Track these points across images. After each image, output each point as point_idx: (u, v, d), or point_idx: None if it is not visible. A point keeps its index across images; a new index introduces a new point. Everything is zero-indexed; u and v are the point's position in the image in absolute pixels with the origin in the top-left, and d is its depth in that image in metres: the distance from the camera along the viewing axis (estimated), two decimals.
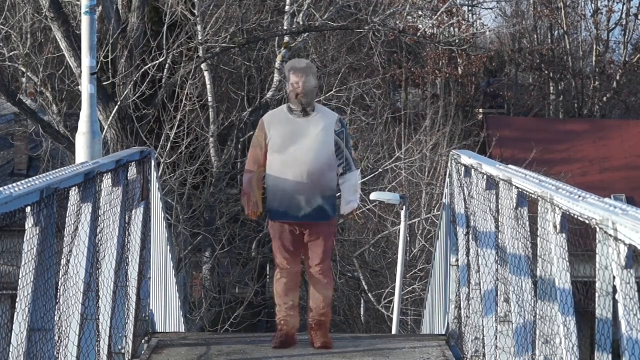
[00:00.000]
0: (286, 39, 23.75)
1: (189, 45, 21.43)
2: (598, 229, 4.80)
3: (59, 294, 5.93)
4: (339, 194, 8.26)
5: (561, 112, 44.43)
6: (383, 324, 25.95)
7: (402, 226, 19.08)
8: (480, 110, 42.73)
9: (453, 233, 8.88)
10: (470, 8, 43.46)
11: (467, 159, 8.35)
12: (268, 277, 27.89)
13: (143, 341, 8.68)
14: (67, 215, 6.17)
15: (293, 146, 7.87)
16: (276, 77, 24.17)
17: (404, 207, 19.04)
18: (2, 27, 21.29)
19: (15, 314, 5.13)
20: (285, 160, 7.87)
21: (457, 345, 8.61)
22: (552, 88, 44.99)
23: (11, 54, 21.82)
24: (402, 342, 8.90)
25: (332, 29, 24.38)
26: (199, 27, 22.44)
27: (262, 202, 8.14)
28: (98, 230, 6.70)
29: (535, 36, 45.82)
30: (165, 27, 20.62)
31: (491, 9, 54.79)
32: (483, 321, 7.43)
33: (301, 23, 23.03)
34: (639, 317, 4.40)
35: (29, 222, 5.24)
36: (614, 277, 4.63)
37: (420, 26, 31.11)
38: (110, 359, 7.27)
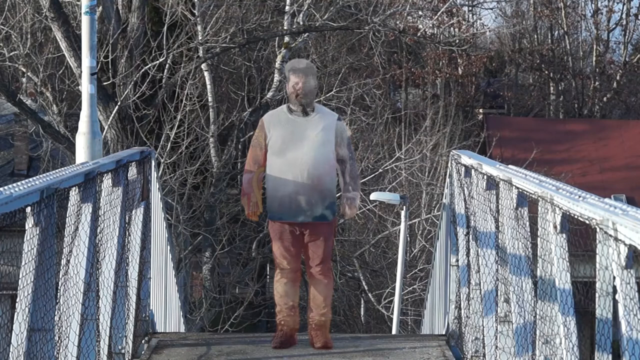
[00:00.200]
0: (286, 39, 23.75)
1: (189, 45, 21.43)
2: (598, 229, 4.80)
3: (59, 294, 5.93)
4: (339, 194, 8.26)
5: (561, 112, 44.43)
6: (383, 324, 25.95)
7: (402, 226, 19.08)
8: (480, 110, 42.73)
9: (453, 233, 8.88)
10: (470, 8, 43.47)
11: (467, 159, 8.35)
12: (268, 277, 27.90)
13: (143, 341, 8.68)
14: (67, 215, 6.17)
15: (293, 146, 7.87)
16: (276, 77, 24.17)
17: (404, 207, 19.04)
18: (2, 27, 21.29)
19: (15, 314, 5.13)
20: (285, 160, 7.87)
21: (457, 345, 8.61)
22: (552, 88, 45.00)
23: (11, 54, 21.81)
24: (402, 342, 8.90)
25: (332, 29, 24.37)
26: (199, 27, 22.44)
27: (262, 202, 8.15)
28: (98, 230, 6.71)
29: (535, 36, 45.82)
30: (165, 27, 20.62)
31: (491, 9, 54.88)
32: (483, 321, 7.43)
33: (301, 23, 23.03)
34: (639, 317, 4.40)
35: (29, 222, 5.24)
36: (614, 277, 4.63)
37: (420, 26, 31.12)
38: (110, 359, 7.27)
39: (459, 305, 8.56)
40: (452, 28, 40.40)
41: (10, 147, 30.99)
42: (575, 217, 5.17)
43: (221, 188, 24.60)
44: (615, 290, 4.63)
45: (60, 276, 6.02)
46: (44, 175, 5.77)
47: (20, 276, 5.15)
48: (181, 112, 21.73)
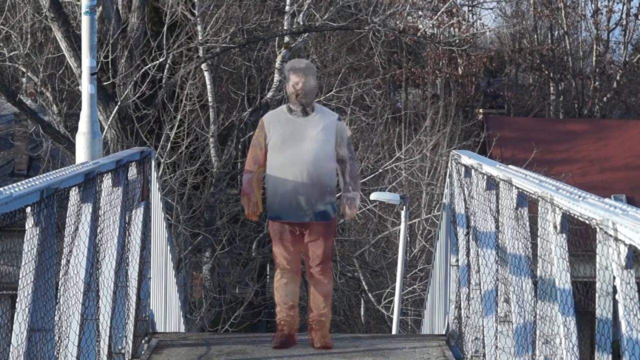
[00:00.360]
0: (286, 39, 23.75)
1: (189, 45, 21.43)
2: (598, 229, 4.80)
3: (59, 294, 5.93)
4: (339, 194, 8.26)
5: (561, 112, 44.43)
6: (383, 324, 25.95)
7: (402, 226, 19.08)
8: (480, 110, 42.73)
9: (453, 233, 8.88)
10: (470, 8, 43.47)
11: (467, 159, 8.35)
12: (268, 277, 27.90)
13: (143, 341, 8.68)
14: (67, 215, 6.17)
15: (293, 146, 7.87)
16: (276, 77, 24.17)
17: (404, 207, 19.04)
18: (2, 27, 21.29)
19: (15, 314, 5.13)
20: (285, 160, 7.87)
21: (457, 345, 8.61)
22: (552, 88, 45.00)
23: (11, 54, 21.81)
24: (402, 342, 8.90)
25: (332, 29, 24.37)
26: (199, 27, 22.44)
27: (262, 202, 8.15)
28: (98, 230, 6.71)
29: (535, 36, 45.82)
30: (165, 27, 20.61)
31: (491, 9, 54.88)
32: (483, 321, 7.43)
33: (301, 23, 23.03)
34: (639, 317, 4.40)
35: (29, 222, 5.24)
36: (614, 277, 4.63)
37: (420, 26, 31.12)
38: (110, 359, 7.27)
39: (459, 305, 8.56)
40: (452, 28, 40.42)
41: (10, 147, 30.99)
42: (575, 217, 5.17)
43: (221, 188, 24.60)
44: (615, 290, 4.63)
45: (60, 276, 6.02)
46: (44, 175, 5.77)
47: (20, 276, 5.15)
48: (181, 112, 21.73)
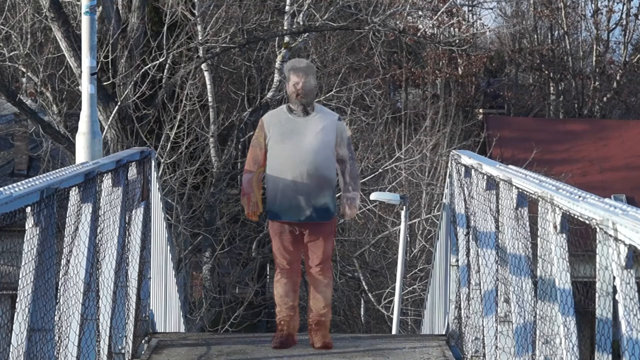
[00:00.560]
0: (286, 39, 23.74)
1: (189, 45, 21.43)
2: (598, 229, 4.80)
3: (59, 294, 5.93)
4: (339, 194, 8.26)
5: (561, 112, 44.43)
6: (383, 324, 25.95)
7: (402, 226, 19.08)
8: (480, 110, 42.73)
9: (453, 233, 8.88)
10: (470, 8, 43.48)
11: (467, 159, 8.35)
12: (268, 277, 27.89)
13: (143, 341, 8.68)
14: (67, 215, 6.17)
15: (293, 146, 7.87)
16: (276, 77, 24.17)
17: (404, 207, 19.04)
18: (2, 27, 21.29)
19: (15, 314, 5.13)
20: (284, 160, 7.87)
21: (457, 345, 8.61)
22: (552, 88, 45.00)
23: (11, 54, 21.81)
24: (402, 342, 8.90)
25: (332, 29, 24.37)
26: (199, 27, 22.44)
27: (262, 202, 8.15)
28: (98, 230, 6.71)
29: (535, 36, 45.82)
30: (165, 27, 20.61)
31: (491, 9, 54.96)
32: (483, 321, 7.43)
33: (301, 23, 23.03)
34: (639, 317, 4.40)
35: (29, 222, 5.24)
36: (614, 277, 4.63)
37: (420, 26, 31.12)
38: (110, 359, 7.27)
39: (459, 305, 8.56)
40: (452, 28, 40.42)
41: (10, 147, 30.99)
42: (575, 217, 5.17)
43: (221, 188, 24.60)
44: (615, 290, 4.63)
45: (60, 276, 6.02)
46: (44, 175, 5.77)
47: (20, 276, 5.15)
48: (181, 112, 21.73)
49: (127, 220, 7.98)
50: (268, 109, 21.15)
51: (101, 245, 7.02)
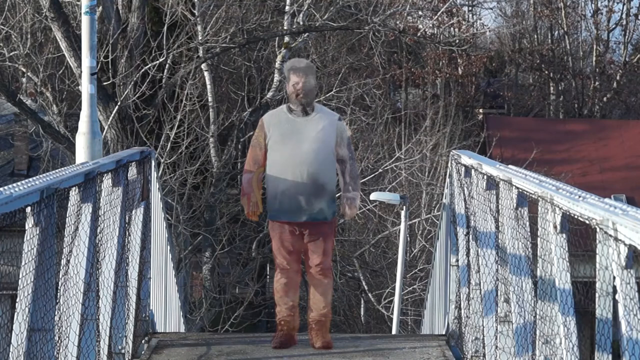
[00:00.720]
0: (286, 39, 23.75)
1: (189, 45, 21.42)
2: (598, 229, 4.80)
3: (59, 294, 5.93)
4: (339, 194, 8.26)
5: (561, 112, 44.44)
6: (383, 324, 25.95)
7: (402, 226, 19.08)
8: (480, 110, 42.73)
9: (453, 233, 8.88)
10: (470, 8, 43.50)
11: (467, 159, 8.35)
12: (268, 277, 27.89)
13: (143, 341, 8.68)
14: (67, 215, 6.17)
15: (293, 146, 7.87)
16: (276, 77, 24.17)
17: (404, 207, 19.04)
18: (2, 27, 21.29)
19: (15, 314, 5.13)
20: (284, 160, 7.87)
21: (457, 345, 8.61)
22: (552, 88, 45.00)
23: (11, 54, 21.81)
24: (402, 342, 8.90)
25: (332, 29, 24.37)
26: (199, 27, 22.44)
27: (262, 202, 8.15)
28: (98, 230, 6.70)
29: (535, 36, 45.82)
30: (165, 27, 20.61)
31: (491, 9, 54.99)
32: (483, 321, 7.43)
33: (301, 23, 23.03)
34: (639, 317, 4.40)
35: (29, 222, 5.24)
36: (614, 277, 4.63)
37: (420, 26, 31.13)
38: (110, 359, 7.27)
39: (459, 305, 8.56)
40: (452, 28, 40.43)
41: (10, 147, 30.99)
42: (575, 217, 5.17)
43: (221, 188, 24.60)
44: (615, 290, 4.63)
45: (60, 276, 6.02)
46: (44, 175, 5.77)
47: (20, 276, 5.15)
48: (181, 112, 21.73)
49: (127, 220, 7.98)
50: (268, 109, 21.15)
51: (101, 245, 7.02)
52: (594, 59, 44.39)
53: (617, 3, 44.74)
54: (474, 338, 7.80)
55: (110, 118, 19.29)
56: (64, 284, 6.04)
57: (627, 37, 44.59)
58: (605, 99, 43.79)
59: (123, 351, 7.80)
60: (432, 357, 8.21)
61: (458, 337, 8.59)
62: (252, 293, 25.12)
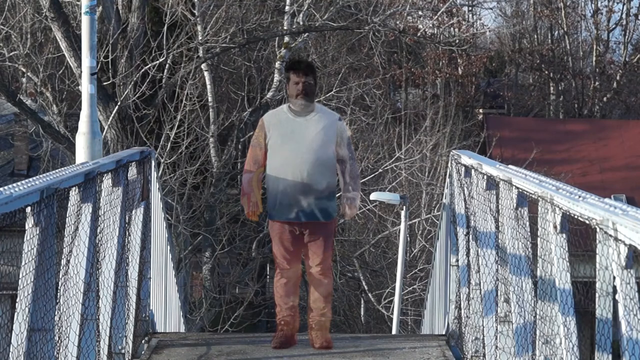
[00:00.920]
0: (286, 39, 23.75)
1: (189, 45, 21.42)
2: (598, 229, 4.80)
3: (59, 294, 5.93)
4: (339, 194, 8.26)
5: (561, 112, 44.44)
6: (383, 324, 25.95)
7: (402, 226, 19.08)
8: (480, 110, 42.74)
9: (453, 233, 8.87)
10: (470, 8, 43.50)
11: (467, 159, 8.35)
12: (268, 277, 27.90)
13: (143, 341, 8.68)
14: (67, 215, 6.16)
15: (293, 146, 7.87)
16: (276, 77, 24.18)
17: (404, 207, 19.04)
18: (2, 27, 21.29)
19: (15, 314, 5.13)
20: (285, 159, 7.87)
21: (457, 345, 8.60)
22: (552, 88, 45.01)
23: (11, 54, 21.81)
24: (402, 342, 8.90)
25: (332, 29, 24.37)
26: (199, 27, 22.44)
27: (262, 202, 8.15)
28: (98, 230, 6.70)
29: (535, 36, 45.83)
30: (165, 27, 20.61)
31: (491, 9, 54.98)
32: (483, 321, 7.42)
33: (301, 23, 23.03)
34: (639, 317, 4.40)
35: (29, 222, 5.24)
36: (614, 277, 4.63)
37: (420, 26, 31.13)
38: (110, 359, 7.27)
39: (459, 305, 8.56)
40: (452, 28, 40.43)
41: (10, 147, 31.00)
42: (575, 217, 5.16)
43: (221, 188, 24.60)
44: (615, 290, 4.63)
45: (60, 276, 6.02)
46: (44, 175, 5.77)
47: (20, 276, 5.15)
48: (181, 112, 21.73)
49: (127, 220, 7.98)
50: (268, 109, 21.16)
51: (101, 245, 7.02)
52: (594, 59, 44.39)
53: (617, 3, 44.80)
54: (474, 338, 7.80)
55: (110, 118, 19.29)
56: (64, 284, 6.04)
57: (627, 37, 44.60)
58: (605, 99, 43.79)
59: (123, 351, 7.80)
60: (432, 357, 8.21)
61: (458, 337, 8.59)
62: (252, 293, 25.12)
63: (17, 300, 5.16)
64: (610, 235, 4.63)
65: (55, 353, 5.65)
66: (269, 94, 24.23)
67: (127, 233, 8.01)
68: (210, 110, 24.74)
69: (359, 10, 23.21)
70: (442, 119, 31.91)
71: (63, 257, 6.10)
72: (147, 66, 19.92)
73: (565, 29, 44.49)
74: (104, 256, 7.19)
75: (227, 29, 22.02)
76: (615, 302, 4.66)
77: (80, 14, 12.47)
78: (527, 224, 6.50)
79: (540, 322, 5.86)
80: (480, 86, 44.65)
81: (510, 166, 7.33)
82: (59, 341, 5.85)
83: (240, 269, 26.05)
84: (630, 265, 4.53)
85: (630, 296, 4.47)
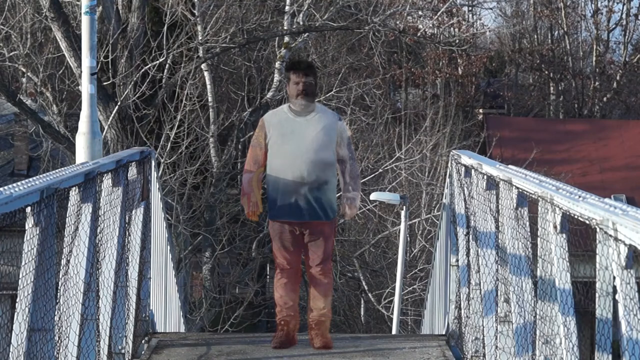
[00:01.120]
0: (286, 39, 23.75)
1: (189, 45, 21.42)
2: (598, 229, 4.80)
3: (59, 294, 5.93)
4: (339, 194, 8.26)
5: (561, 112, 44.44)
6: (383, 324, 25.95)
7: (402, 226, 19.08)
8: (480, 110, 42.74)
9: (453, 233, 8.87)
10: (470, 8, 43.50)
11: (467, 159, 8.35)
12: (268, 277, 27.91)
13: (143, 341, 8.68)
14: (67, 215, 6.16)
15: (293, 145, 7.87)
16: (276, 77, 24.18)
17: (404, 207, 19.04)
18: (2, 27, 21.29)
19: (15, 314, 5.13)
20: (285, 159, 7.87)
21: (457, 345, 8.60)
22: (552, 88, 45.01)
23: (11, 54, 21.81)
24: (402, 342, 8.90)
25: (332, 29, 24.37)
26: (199, 27, 22.44)
27: (262, 202, 8.15)
28: (98, 230, 6.70)
29: (535, 36, 45.83)
30: (165, 27, 20.61)
31: (491, 9, 54.97)
32: (483, 321, 7.42)
33: (301, 23, 23.03)
34: (639, 317, 4.40)
35: (29, 222, 5.24)
36: (614, 277, 4.63)
37: (420, 26, 31.14)
38: (110, 359, 7.27)
39: (459, 305, 8.56)
40: (452, 28, 40.43)
41: (10, 147, 31.00)
42: (575, 217, 5.16)
43: (221, 188, 24.60)
44: (615, 290, 4.63)
45: (60, 276, 6.02)
46: (44, 175, 5.76)
47: (20, 276, 5.15)
48: (181, 112, 21.73)
49: (127, 220, 7.98)
50: (268, 109, 21.16)
51: (101, 245, 7.01)
52: (594, 59, 44.39)
53: (617, 3, 44.80)
54: (474, 338, 7.80)
55: (110, 118, 19.29)
56: (64, 284, 6.04)
57: (627, 37, 44.60)
58: (605, 99, 43.79)
59: (123, 351, 7.80)
60: (432, 357, 8.21)
61: (458, 337, 8.59)
62: (252, 293, 25.12)
63: (17, 300, 5.16)
64: (610, 235, 4.63)
65: (55, 353, 5.65)
66: (269, 94, 24.23)
67: (127, 233, 8.01)
68: (210, 110, 24.74)
69: (359, 10, 23.21)
70: (442, 119, 31.91)
71: (63, 257, 6.10)
72: (147, 66, 19.92)
73: (565, 29, 44.49)
74: (104, 256, 7.19)
75: (227, 29, 22.02)
76: (615, 302, 4.66)
77: (80, 14, 12.47)
78: (527, 224, 6.50)
79: (540, 322, 5.86)
80: (480, 86, 44.65)
81: (510, 166, 7.33)
82: (59, 341, 5.85)
83: (240, 269, 26.05)
84: (630, 265, 4.53)
85: (630, 296, 4.47)
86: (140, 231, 8.45)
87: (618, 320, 4.53)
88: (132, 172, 8.33)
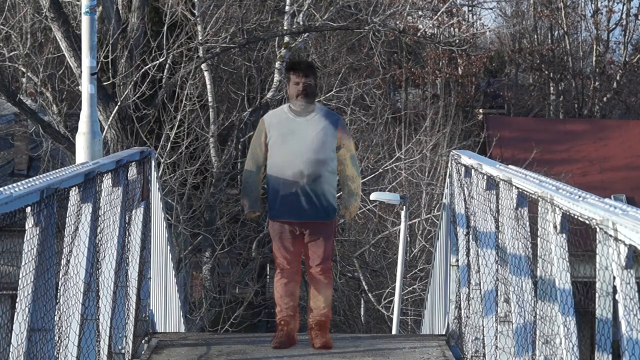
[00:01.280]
0: (286, 39, 23.75)
1: (189, 45, 21.42)
2: (598, 229, 4.80)
3: (59, 294, 5.93)
4: (339, 194, 8.26)
5: (561, 112, 44.44)
6: (383, 324, 25.95)
7: (402, 226, 19.08)
8: (480, 110, 42.74)
9: (453, 233, 8.87)
10: (470, 8, 43.49)
11: (467, 159, 8.35)
12: (268, 277, 27.90)
13: (143, 341, 8.68)
14: (67, 215, 6.16)
15: (293, 146, 7.87)
16: (276, 77, 24.18)
17: (404, 207, 19.04)
18: (2, 27, 21.29)
19: (15, 314, 5.13)
20: (285, 159, 7.87)
21: (457, 345, 8.60)
22: (552, 88, 45.01)
23: (11, 54, 21.81)
24: (402, 342, 8.90)
25: (332, 29, 24.37)
26: (199, 27, 22.44)
27: (262, 202, 8.15)
28: (98, 230, 6.70)
29: (535, 36, 45.83)
30: (165, 27, 20.61)
31: (491, 9, 54.94)
32: (483, 321, 7.42)
33: (301, 23, 23.03)
34: (639, 317, 4.40)
35: (29, 222, 5.24)
36: (614, 277, 4.63)
37: (420, 26, 31.13)
38: (110, 359, 7.27)
39: (459, 305, 8.56)
40: (452, 28, 40.43)
41: (10, 147, 31.00)
42: (575, 217, 5.16)
43: (221, 188, 24.60)
44: (615, 290, 4.62)
45: (60, 276, 6.02)
46: (44, 175, 5.76)
47: (20, 276, 5.15)
48: (181, 112, 21.73)
49: (127, 220, 7.98)
50: (268, 109, 21.16)
51: (101, 245, 7.01)
52: (594, 59, 44.39)
53: (617, 3, 44.81)
54: (474, 338, 7.80)
55: (110, 118, 19.29)
56: (64, 284, 6.04)
57: (627, 37, 44.61)
58: (605, 99, 43.79)
59: (123, 351, 7.80)
60: (432, 357, 8.21)
61: (458, 337, 8.59)
62: (252, 293, 25.12)
63: (17, 300, 5.16)
64: (610, 235, 4.63)
65: (55, 353, 5.65)
66: (269, 94, 24.23)
67: (127, 233, 8.01)
68: (210, 110, 24.74)
69: (359, 10, 23.21)
70: (442, 119, 31.91)
71: (63, 257, 6.10)
72: (147, 66, 19.92)
73: (565, 29, 44.49)
74: (104, 256, 7.19)
75: (227, 29, 22.02)
76: (615, 302, 4.66)
77: (80, 14, 12.47)
78: (527, 224, 6.49)
79: (540, 322, 5.86)
80: (480, 86, 44.65)
81: (510, 166, 7.33)
82: (59, 341, 5.85)
83: (240, 269, 26.05)
84: (630, 265, 4.53)
85: (630, 296, 4.47)
86: (140, 231, 8.45)
87: (618, 320, 4.53)
88: (132, 172, 8.33)
